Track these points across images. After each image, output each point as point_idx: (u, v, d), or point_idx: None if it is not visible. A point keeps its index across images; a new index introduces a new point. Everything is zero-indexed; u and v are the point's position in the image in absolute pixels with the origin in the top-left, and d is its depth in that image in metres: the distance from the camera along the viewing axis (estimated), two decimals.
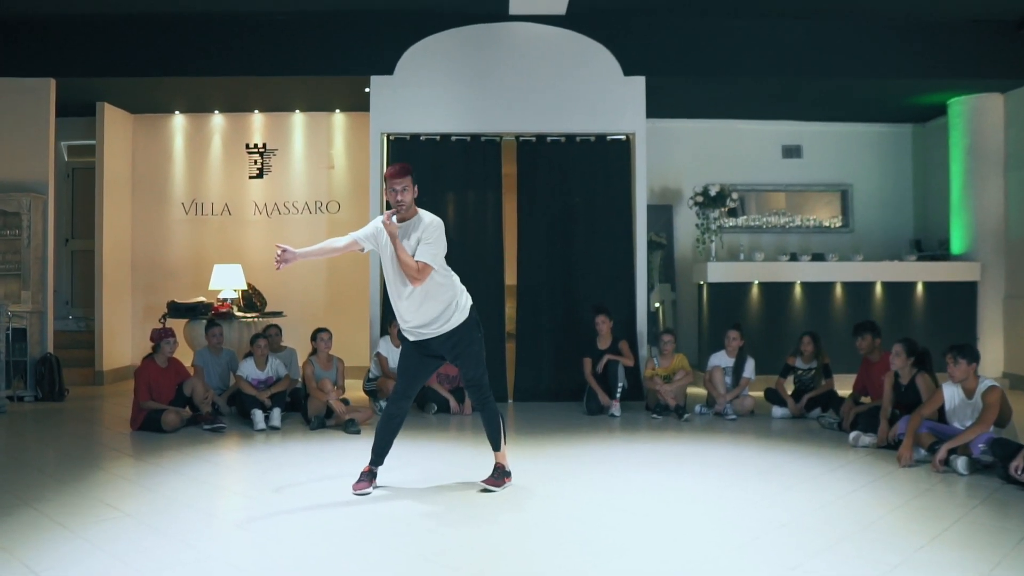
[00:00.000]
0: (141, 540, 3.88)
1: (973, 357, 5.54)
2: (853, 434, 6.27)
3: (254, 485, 4.98)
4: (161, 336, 7.12)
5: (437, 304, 4.72)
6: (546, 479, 5.18)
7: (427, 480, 5.13)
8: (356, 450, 5.93)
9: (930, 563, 3.57)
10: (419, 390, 5.13)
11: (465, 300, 4.89)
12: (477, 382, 4.94)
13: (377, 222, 4.73)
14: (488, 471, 5.00)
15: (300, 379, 7.59)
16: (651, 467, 5.60)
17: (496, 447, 5.01)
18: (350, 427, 6.83)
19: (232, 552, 3.77)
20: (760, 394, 7.93)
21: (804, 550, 3.73)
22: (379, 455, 4.92)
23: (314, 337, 7.43)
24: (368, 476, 4.87)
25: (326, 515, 4.37)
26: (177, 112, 10.66)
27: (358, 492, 4.76)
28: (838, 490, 4.88)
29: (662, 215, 10.90)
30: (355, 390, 8.36)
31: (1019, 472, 4.82)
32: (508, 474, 4.99)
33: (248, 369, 7.46)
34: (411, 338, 4.85)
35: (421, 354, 4.88)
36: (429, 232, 4.63)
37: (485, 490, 4.84)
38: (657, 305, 10.80)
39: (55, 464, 5.70)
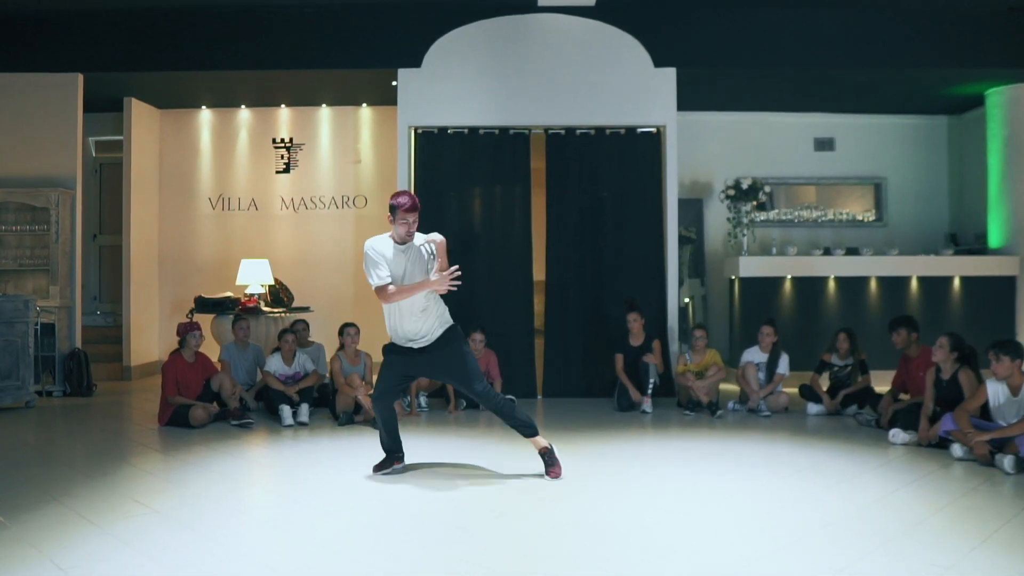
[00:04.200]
0: (169, 536, 3.82)
1: (1017, 354, 5.38)
2: (892, 431, 6.12)
3: (282, 481, 4.92)
4: (187, 329, 7.09)
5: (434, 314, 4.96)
6: (580, 476, 5.07)
7: (456, 477, 5.05)
8: None
9: (983, 566, 3.43)
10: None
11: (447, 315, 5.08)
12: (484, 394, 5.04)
13: (388, 254, 4.81)
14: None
15: (328, 375, 7.54)
16: (685, 465, 5.49)
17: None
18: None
19: (260, 549, 3.71)
20: (794, 390, 7.79)
21: (850, 552, 3.60)
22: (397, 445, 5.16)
23: (341, 332, 7.36)
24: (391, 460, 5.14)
25: (356, 512, 4.30)
26: (204, 107, 10.68)
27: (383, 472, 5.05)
28: (879, 490, 4.73)
29: (692, 209, 10.75)
30: None
31: None
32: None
33: (275, 364, 7.42)
34: (414, 347, 4.97)
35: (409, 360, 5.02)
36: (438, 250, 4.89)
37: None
38: (687, 300, 10.67)
39: (83, 459, 5.67)
